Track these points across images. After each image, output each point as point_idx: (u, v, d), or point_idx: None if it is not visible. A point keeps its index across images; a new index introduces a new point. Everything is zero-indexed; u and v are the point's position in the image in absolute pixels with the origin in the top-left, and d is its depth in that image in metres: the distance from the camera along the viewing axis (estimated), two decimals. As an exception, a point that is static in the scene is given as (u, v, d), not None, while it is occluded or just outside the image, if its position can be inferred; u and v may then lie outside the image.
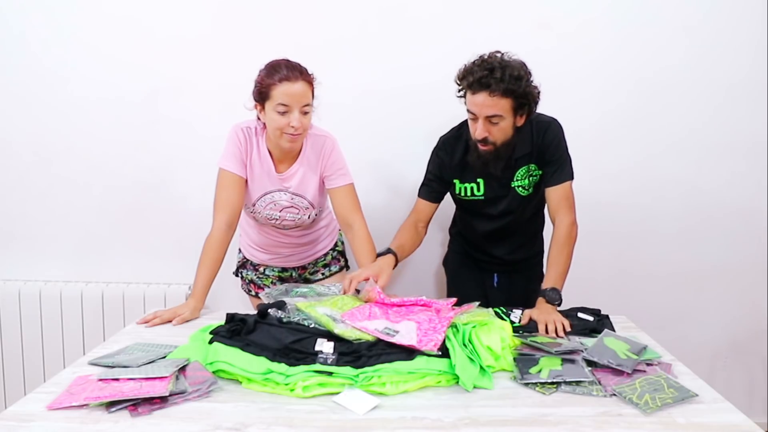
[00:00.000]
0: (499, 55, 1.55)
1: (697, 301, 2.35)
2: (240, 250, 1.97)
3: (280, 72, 1.53)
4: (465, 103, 1.61)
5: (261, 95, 1.56)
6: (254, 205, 1.72)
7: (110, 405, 1.06)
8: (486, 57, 1.55)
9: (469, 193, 1.75)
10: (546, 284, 1.60)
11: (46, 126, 2.20)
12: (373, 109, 2.17)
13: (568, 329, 1.44)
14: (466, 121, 1.69)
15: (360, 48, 2.12)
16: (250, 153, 1.66)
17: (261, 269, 1.93)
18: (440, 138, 1.79)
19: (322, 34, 2.10)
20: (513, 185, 1.72)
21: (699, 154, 2.23)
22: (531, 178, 1.72)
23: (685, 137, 2.22)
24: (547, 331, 1.43)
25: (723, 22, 2.13)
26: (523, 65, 1.56)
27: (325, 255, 1.95)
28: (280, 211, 1.72)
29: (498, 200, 1.74)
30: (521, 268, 1.91)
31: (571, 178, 1.69)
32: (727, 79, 2.17)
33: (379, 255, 1.65)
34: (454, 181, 1.76)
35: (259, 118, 1.63)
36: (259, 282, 1.94)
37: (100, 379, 1.14)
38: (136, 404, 1.06)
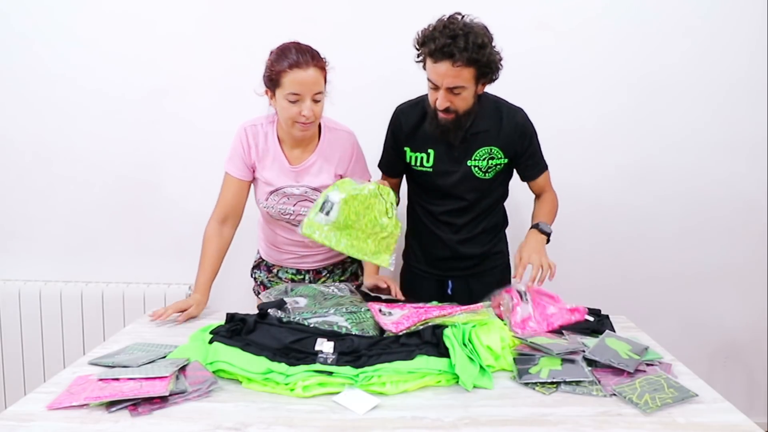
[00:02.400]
0: (460, 17, 1.46)
1: (698, 301, 2.35)
2: (258, 250, 1.93)
3: (290, 57, 1.46)
4: (424, 68, 1.51)
5: (271, 82, 1.50)
6: (267, 200, 1.68)
7: (110, 405, 1.06)
8: (447, 21, 1.45)
9: (418, 163, 1.68)
10: (537, 219, 1.67)
11: (45, 125, 2.20)
12: (371, 101, 2.15)
13: (554, 274, 1.49)
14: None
15: (360, 43, 2.12)
16: (257, 151, 1.63)
17: (275, 270, 1.86)
18: (397, 107, 1.73)
19: (325, 33, 2.09)
20: (469, 164, 1.65)
21: (699, 153, 2.23)
22: (491, 161, 1.65)
23: (685, 136, 2.22)
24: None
25: (723, 21, 2.13)
26: (485, 30, 1.47)
27: (344, 264, 1.87)
28: (294, 205, 1.67)
29: (448, 174, 1.66)
30: (478, 272, 1.77)
31: (546, 166, 1.75)
32: (727, 78, 2.17)
33: None
34: (405, 148, 1.69)
35: (271, 105, 1.57)
36: (269, 284, 1.87)
37: (100, 379, 1.14)
38: (136, 404, 1.06)
